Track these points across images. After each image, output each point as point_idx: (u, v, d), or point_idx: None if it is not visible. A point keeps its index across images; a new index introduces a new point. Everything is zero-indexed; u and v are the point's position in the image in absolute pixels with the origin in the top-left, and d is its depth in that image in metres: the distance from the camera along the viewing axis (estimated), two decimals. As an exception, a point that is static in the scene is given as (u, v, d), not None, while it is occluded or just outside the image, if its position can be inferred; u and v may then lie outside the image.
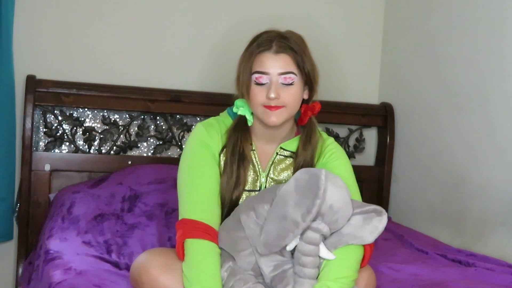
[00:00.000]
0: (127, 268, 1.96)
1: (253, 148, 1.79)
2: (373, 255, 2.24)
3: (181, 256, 1.65)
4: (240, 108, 1.76)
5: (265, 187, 1.78)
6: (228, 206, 1.75)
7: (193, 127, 2.85)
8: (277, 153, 1.79)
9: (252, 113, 1.77)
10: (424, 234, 2.71)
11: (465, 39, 2.65)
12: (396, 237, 2.62)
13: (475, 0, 2.60)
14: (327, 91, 3.03)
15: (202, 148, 1.73)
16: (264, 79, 1.68)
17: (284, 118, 1.71)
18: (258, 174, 1.78)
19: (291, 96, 1.69)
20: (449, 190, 2.70)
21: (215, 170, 1.73)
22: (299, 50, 1.71)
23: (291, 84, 1.69)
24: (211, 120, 1.81)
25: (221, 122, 1.80)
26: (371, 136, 3.20)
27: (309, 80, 1.74)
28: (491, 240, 2.46)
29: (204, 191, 1.69)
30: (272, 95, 1.65)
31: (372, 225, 1.60)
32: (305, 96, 1.78)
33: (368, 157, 3.19)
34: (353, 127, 3.14)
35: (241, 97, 1.77)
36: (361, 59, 3.20)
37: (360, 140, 3.16)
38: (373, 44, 3.22)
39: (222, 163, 1.76)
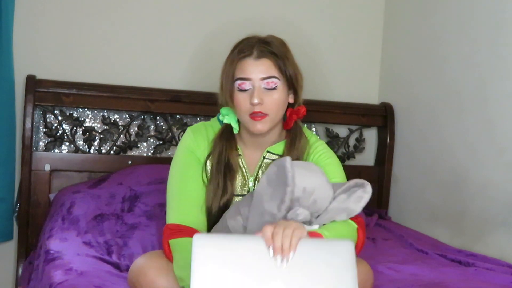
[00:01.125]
0: (128, 269, 1.96)
1: (240, 154, 1.79)
2: (373, 255, 2.25)
3: (170, 259, 1.65)
4: (226, 116, 1.77)
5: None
6: (218, 213, 1.75)
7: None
8: (264, 157, 1.80)
9: (238, 120, 1.77)
10: (424, 234, 2.71)
11: (465, 39, 2.66)
12: (396, 237, 2.62)
13: (475, 0, 2.61)
14: (327, 91, 3.05)
15: (189, 155, 1.75)
16: (246, 85, 1.68)
17: (269, 126, 1.71)
18: (246, 178, 1.79)
19: (275, 101, 1.69)
20: (449, 190, 2.70)
21: (202, 176, 1.75)
22: (281, 54, 1.70)
23: (274, 88, 1.68)
24: (200, 125, 1.82)
25: (209, 127, 1.80)
26: (371, 136, 3.20)
27: (292, 84, 1.73)
28: (491, 240, 2.46)
29: (190, 198, 1.71)
30: (255, 101, 1.65)
31: (356, 195, 1.59)
32: (291, 100, 1.77)
33: (368, 157, 3.19)
34: (353, 127, 3.14)
35: (225, 105, 1.76)
36: (361, 59, 3.20)
37: (360, 140, 3.16)
38: (373, 44, 3.22)
39: (208, 169, 1.76)
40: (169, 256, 1.66)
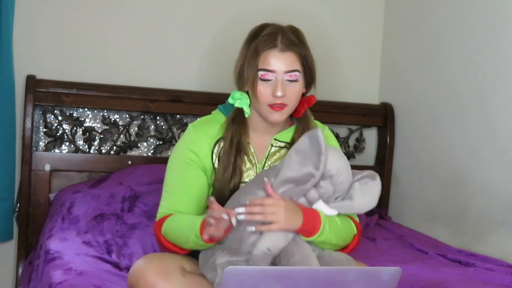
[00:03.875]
0: (128, 269, 1.96)
1: (249, 141, 1.80)
2: (373, 255, 2.25)
3: (169, 246, 1.70)
4: (238, 100, 1.77)
5: None
6: (230, 196, 1.76)
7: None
8: (272, 145, 1.81)
9: (249, 105, 1.78)
10: (424, 234, 2.71)
11: (465, 39, 2.66)
12: (396, 237, 2.62)
13: (475, 0, 2.61)
14: (327, 91, 3.04)
15: (188, 152, 1.76)
16: (269, 76, 1.70)
17: (286, 115, 1.75)
18: (255, 166, 1.80)
19: (295, 93, 1.72)
20: (449, 190, 2.70)
21: (200, 175, 1.76)
22: (303, 46, 1.73)
23: (295, 80, 1.71)
24: (202, 120, 1.83)
25: (214, 120, 1.81)
26: (371, 136, 3.20)
27: (310, 75, 1.77)
28: (491, 240, 2.46)
29: (185, 194, 1.74)
30: (279, 94, 1.68)
31: (368, 188, 1.68)
32: (303, 90, 1.79)
33: (368, 157, 3.19)
34: (353, 127, 3.14)
35: (239, 90, 1.78)
36: (361, 59, 3.20)
37: (360, 140, 3.16)
38: (373, 44, 3.22)
39: (215, 158, 1.77)
40: (168, 246, 1.70)
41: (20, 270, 2.53)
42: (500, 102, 2.46)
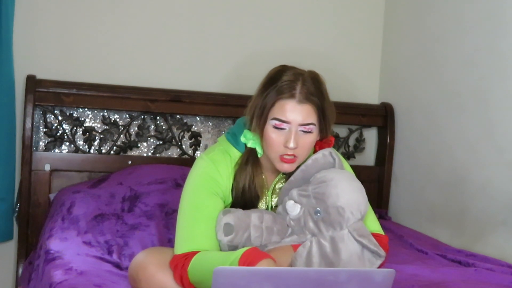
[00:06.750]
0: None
1: (263, 182, 1.78)
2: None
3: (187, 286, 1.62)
4: (250, 140, 1.73)
5: (271, 206, 1.79)
6: None
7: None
8: (282, 173, 1.79)
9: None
10: (424, 234, 2.71)
11: (464, 39, 2.66)
12: (396, 237, 2.62)
13: (475, 0, 2.61)
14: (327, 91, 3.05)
15: (209, 182, 1.70)
16: (284, 126, 1.65)
17: (296, 166, 1.71)
18: (265, 194, 1.79)
19: (307, 144, 1.68)
20: (449, 190, 2.70)
21: (220, 206, 1.71)
22: (321, 96, 1.68)
23: (310, 132, 1.67)
24: (216, 154, 1.75)
25: (226, 154, 1.75)
26: (371, 136, 3.20)
27: (326, 125, 1.71)
28: (491, 240, 2.46)
29: (204, 226, 1.66)
30: (292, 145, 1.64)
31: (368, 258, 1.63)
32: (317, 138, 1.74)
33: (368, 157, 3.19)
34: (353, 127, 3.14)
35: (249, 128, 1.72)
36: (361, 59, 3.20)
37: (360, 140, 3.16)
38: (373, 44, 3.22)
39: (233, 193, 1.75)
40: (186, 285, 1.61)
41: (20, 270, 2.53)
42: (499, 102, 2.46)
